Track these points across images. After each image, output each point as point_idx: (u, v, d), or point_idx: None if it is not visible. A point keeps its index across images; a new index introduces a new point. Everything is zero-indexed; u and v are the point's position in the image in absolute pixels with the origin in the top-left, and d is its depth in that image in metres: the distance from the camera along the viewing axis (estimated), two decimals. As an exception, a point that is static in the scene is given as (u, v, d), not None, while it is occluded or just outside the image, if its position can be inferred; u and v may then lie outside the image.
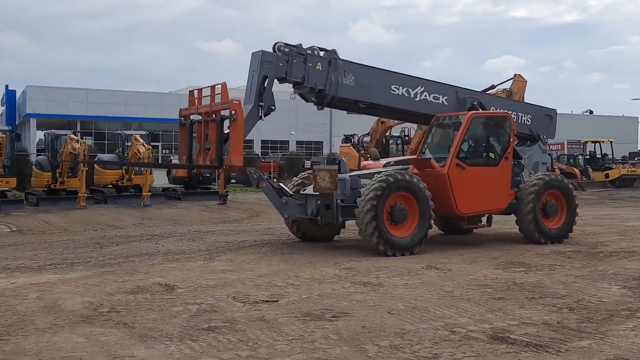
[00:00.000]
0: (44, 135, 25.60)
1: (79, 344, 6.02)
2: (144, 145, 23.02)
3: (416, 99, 12.78)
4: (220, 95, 11.46)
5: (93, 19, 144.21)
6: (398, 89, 12.60)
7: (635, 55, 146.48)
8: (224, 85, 11.34)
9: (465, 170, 11.91)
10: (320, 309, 7.35)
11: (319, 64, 11.91)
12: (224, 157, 11.22)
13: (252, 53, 11.79)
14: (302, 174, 13.22)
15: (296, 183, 12.93)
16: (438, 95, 12.95)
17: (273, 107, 11.53)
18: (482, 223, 12.88)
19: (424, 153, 12.65)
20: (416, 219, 11.43)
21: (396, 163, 13.14)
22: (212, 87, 11.76)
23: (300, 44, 11.90)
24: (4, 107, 67.75)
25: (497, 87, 27.24)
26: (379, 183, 11.04)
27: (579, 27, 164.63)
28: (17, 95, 64.89)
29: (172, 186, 27.17)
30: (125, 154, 24.89)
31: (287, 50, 11.68)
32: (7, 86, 64.16)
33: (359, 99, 12.52)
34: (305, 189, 12.27)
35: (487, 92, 27.76)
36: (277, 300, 7.75)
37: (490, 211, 12.53)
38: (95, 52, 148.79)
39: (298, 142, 66.90)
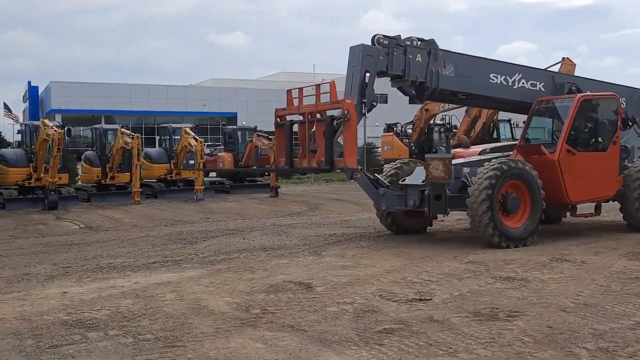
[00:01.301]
0: (91, 130, 25.18)
1: (261, 349, 5.56)
2: (195, 139, 22.53)
3: (514, 87, 12.23)
4: (326, 94, 10.96)
5: (102, 14, 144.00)
6: (496, 78, 12.07)
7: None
8: (332, 83, 10.74)
9: (576, 156, 11.35)
10: (485, 307, 6.85)
11: (419, 55, 11.39)
12: (336, 160, 10.58)
13: (351, 47, 11.27)
14: (393, 164, 12.67)
15: (389, 174, 12.39)
16: (535, 82, 12.37)
17: (375, 103, 11.04)
18: (591, 212, 12.30)
19: (527, 139, 12.07)
20: (528, 208, 10.92)
21: (492, 150, 12.60)
22: (317, 86, 11.17)
23: (399, 35, 11.39)
24: (26, 104, 67.63)
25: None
26: (493, 171, 10.51)
27: (591, 10, 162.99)
28: (40, 91, 64.68)
29: (218, 179, 26.69)
30: (174, 148, 24.41)
31: (386, 42, 11.15)
32: (29, 82, 64.08)
33: (459, 90, 12.02)
34: (404, 179, 11.74)
35: None
36: (431, 299, 7.26)
37: (600, 199, 11.97)
38: (106, 47, 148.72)
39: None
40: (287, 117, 11.87)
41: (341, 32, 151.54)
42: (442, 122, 32.04)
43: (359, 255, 10.21)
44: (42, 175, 20.64)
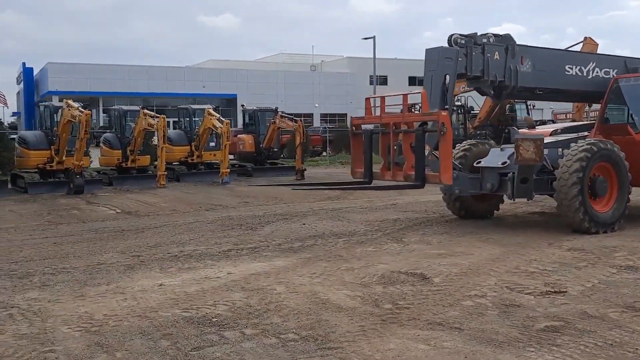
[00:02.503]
0: (111, 111, 24.33)
1: (430, 352, 5.01)
2: (220, 120, 21.80)
3: (589, 77, 11.75)
4: (419, 105, 10.35)
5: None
6: (572, 69, 11.57)
7: (635, 20, 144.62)
8: (424, 94, 10.02)
9: (660, 137, 10.84)
10: (635, 301, 6.32)
11: (497, 52, 10.82)
12: (428, 175, 9.82)
13: (427, 50, 10.75)
14: (461, 145, 12.09)
15: (457, 156, 11.80)
16: (609, 70, 11.86)
17: (454, 108, 10.51)
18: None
19: (607, 119, 11.51)
20: (615, 191, 10.44)
21: (564, 130, 12.03)
22: (405, 96, 10.46)
23: (476, 33, 10.85)
24: (20, 85, 66.25)
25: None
26: (584, 153, 9.97)
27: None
28: (35, 72, 63.33)
29: (239, 162, 25.94)
30: (196, 130, 23.66)
31: (463, 41, 10.58)
32: (24, 64, 62.65)
33: (537, 86, 11.48)
34: (479, 162, 11.16)
35: None
36: (566, 291, 6.73)
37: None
38: (95, 29, 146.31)
39: (322, 115, 65.72)
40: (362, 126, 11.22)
41: (331, 13, 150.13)
42: (460, 104, 31.51)
43: (445, 243, 9.66)
44: (64, 158, 19.87)
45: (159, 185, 20.38)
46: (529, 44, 11.56)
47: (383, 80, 69.59)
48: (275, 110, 25.44)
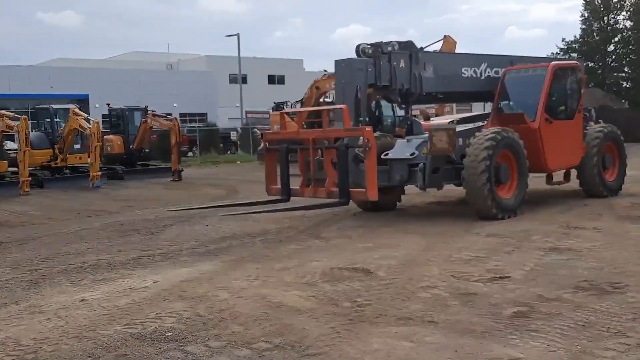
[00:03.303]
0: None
1: (417, 349, 4.76)
2: (88, 120, 20.38)
3: (482, 78, 12.20)
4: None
5: None
6: (467, 71, 11.94)
7: (466, 22, 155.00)
8: (345, 110, 9.68)
9: (553, 125, 11.41)
10: (579, 281, 6.50)
11: (402, 60, 10.93)
12: (353, 191, 9.51)
13: (336, 61, 10.76)
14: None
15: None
16: (499, 69, 12.30)
17: (367, 119, 10.42)
18: (561, 180, 12.46)
19: (500, 109, 11.91)
20: (516, 178, 10.83)
21: (460, 121, 12.32)
22: (326, 112, 10.15)
23: (381, 42, 10.86)
24: None
25: (426, 49, 27.27)
26: (489, 141, 10.23)
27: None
28: None
29: (106, 165, 24.35)
30: (59, 132, 21.93)
31: (371, 51, 10.56)
32: None
33: (439, 90, 11.64)
34: (387, 154, 11.12)
35: None
36: (510, 276, 6.76)
37: (569, 166, 12.14)
38: None
39: (182, 115, 63.83)
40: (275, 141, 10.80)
41: (181, 13, 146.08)
42: (331, 100, 31.76)
43: (366, 236, 9.50)
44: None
45: (22, 192, 18.67)
46: (428, 50, 11.78)
47: (243, 79, 68.95)
48: (145, 109, 24.24)
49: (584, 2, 67.09)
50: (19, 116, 19.03)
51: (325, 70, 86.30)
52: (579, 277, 6.62)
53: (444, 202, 13.18)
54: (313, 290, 6.46)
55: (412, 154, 10.70)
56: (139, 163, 24.51)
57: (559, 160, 11.66)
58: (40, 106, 24.02)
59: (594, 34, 67.61)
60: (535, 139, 11.12)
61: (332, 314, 5.65)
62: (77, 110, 21.08)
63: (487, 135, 10.35)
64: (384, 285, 6.56)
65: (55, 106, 23.15)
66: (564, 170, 12.39)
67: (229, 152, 39.68)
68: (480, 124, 11.83)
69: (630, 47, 64.60)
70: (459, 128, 11.44)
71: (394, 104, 36.03)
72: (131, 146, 24.00)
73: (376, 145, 9.35)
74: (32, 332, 5.41)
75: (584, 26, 68.65)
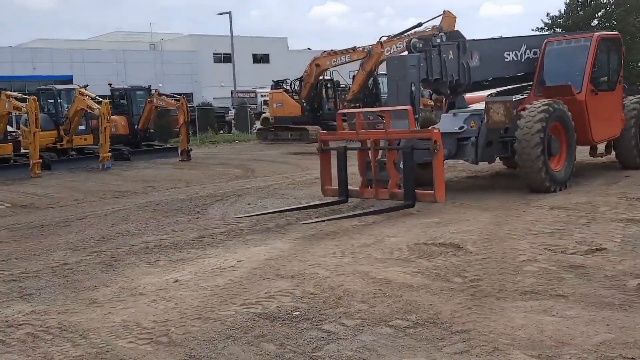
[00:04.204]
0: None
1: (561, 322, 4.60)
2: (95, 100, 19.91)
3: (522, 60, 11.95)
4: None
5: None
6: (509, 55, 11.70)
7: (441, 2, 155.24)
8: (410, 110, 9.35)
9: (597, 96, 11.31)
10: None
11: (450, 52, 10.66)
12: (419, 193, 9.12)
13: (389, 59, 10.80)
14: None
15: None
16: (537, 50, 12.10)
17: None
18: (603, 152, 12.41)
19: (543, 82, 11.77)
20: (564, 150, 10.72)
21: (498, 94, 12.15)
22: (387, 113, 9.67)
23: (430, 34, 10.56)
24: None
25: (424, 25, 27.06)
26: (542, 113, 10.10)
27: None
28: None
29: (112, 146, 23.82)
30: (65, 113, 21.40)
31: (421, 45, 10.30)
32: None
33: (485, 78, 11.43)
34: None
35: (413, 30, 27.58)
36: (606, 248, 6.65)
37: (611, 138, 12.08)
38: None
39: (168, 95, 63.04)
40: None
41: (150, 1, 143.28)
42: (329, 78, 31.48)
43: (425, 211, 9.30)
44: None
45: (33, 175, 18.21)
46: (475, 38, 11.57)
47: (227, 58, 68.21)
48: (149, 89, 23.75)
49: (569, -23, 67.26)
50: (27, 97, 18.48)
51: (309, 49, 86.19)
52: (678, 247, 6.54)
53: (479, 177, 13.09)
54: (413, 266, 6.30)
55: (461, 127, 10.55)
56: (143, 143, 24.05)
57: (603, 131, 11.60)
58: (43, 87, 23.39)
59: (578, 8, 68.01)
60: (581, 111, 11.02)
61: (448, 289, 5.50)
62: (83, 90, 20.56)
63: (539, 107, 10.21)
64: (481, 259, 6.42)
65: (58, 87, 22.57)
66: (606, 142, 12.32)
67: (221, 131, 39.28)
68: (520, 97, 11.69)
69: (613, 21, 65.01)
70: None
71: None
72: (136, 126, 23.53)
73: (442, 151, 8.98)
74: (146, 315, 5.20)
75: (568, 1, 68.95)
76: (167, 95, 22.54)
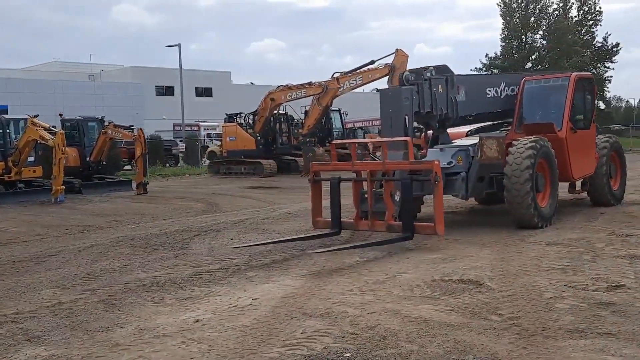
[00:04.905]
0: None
1: (627, 361, 4.51)
2: (51, 130, 19.14)
3: (502, 97, 12.17)
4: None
5: None
6: (491, 91, 11.90)
7: (378, 39, 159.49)
8: (410, 141, 9.25)
9: (576, 134, 11.58)
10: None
11: (440, 85, 10.73)
12: (418, 225, 9.09)
13: (381, 91, 10.62)
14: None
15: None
16: (514, 87, 12.36)
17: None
18: (579, 189, 12.65)
19: (524, 119, 11.96)
20: (549, 187, 10.87)
21: (477, 131, 12.30)
22: (384, 144, 9.60)
23: (421, 68, 10.64)
24: None
25: (377, 62, 27.45)
26: (530, 150, 10.23)
27: (330, 12, 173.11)
28: None
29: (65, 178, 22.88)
30: (14, 143, 20.47)
31: (413, 78, 10.35)
32: None
33: (470, 113, 11.55)
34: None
35: (367, 67, 27.97)
36: (624, 284, 6.67)
37: (587, 175, 12.33)
38: None
39: (107, 127, 61.52)
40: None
41: (92, 24, 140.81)
42: (283, 112, 31.42)
43: (423, 247, 9.20)
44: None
45: (-18, 207, 17.23)
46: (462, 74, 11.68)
47: (169, 91, 67.52)
48: (102, 120, 23.06)
49: (503, 22, 70.10)
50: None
51: (252, 83, 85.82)
52: (692, 282, 6.61)
53: (457, 212, 13.13)
54: (442, 303, 6.14)
55: (449, 162, 10.55)
56: (95, 176, 23.23)
57: (581, 169, 11.85)
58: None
59: (513, 51, 70.81)
60: (562, 148, 11.24)
61: (490, 328, 5.35)
62: (35, 120, 19.74)
63: (527, 144, 10.34)
64: (508, 296, 6.32)
65: (7, 116, 21.61)
66: (581, 180, 12.58)
67: (167, 164, 38.56)
68: (497, 133, 11.85)
69: (545, 64, 67.92)
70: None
71: (342, 115, 36.22)
72: (88, 158, 22.74)
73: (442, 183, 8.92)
74: (183, 358, 4.82)
75: (503, 44, 71.69)
76: (122, 127, 21.89)
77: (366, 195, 9.50)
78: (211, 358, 4.78)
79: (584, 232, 9.96)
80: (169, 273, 8.16)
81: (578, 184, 12.67)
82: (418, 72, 10.55)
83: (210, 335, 5.35)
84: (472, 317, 5.67)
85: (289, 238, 9.80)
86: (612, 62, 67.40)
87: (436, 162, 8.77)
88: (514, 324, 5.43)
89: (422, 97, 10.34)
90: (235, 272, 8.04)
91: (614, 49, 67.04)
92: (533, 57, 69.44)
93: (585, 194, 13.04)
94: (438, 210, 8.65)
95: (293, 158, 29.89)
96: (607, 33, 67.77)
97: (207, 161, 35.43)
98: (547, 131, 11.16)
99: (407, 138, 9.30)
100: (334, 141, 11.40)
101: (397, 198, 9.33)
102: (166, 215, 15.10)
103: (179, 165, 39.43)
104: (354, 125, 44.37)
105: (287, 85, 29.00)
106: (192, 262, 8.88)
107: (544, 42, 69.06)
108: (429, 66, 10.74)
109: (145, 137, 21.66)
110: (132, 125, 22.99)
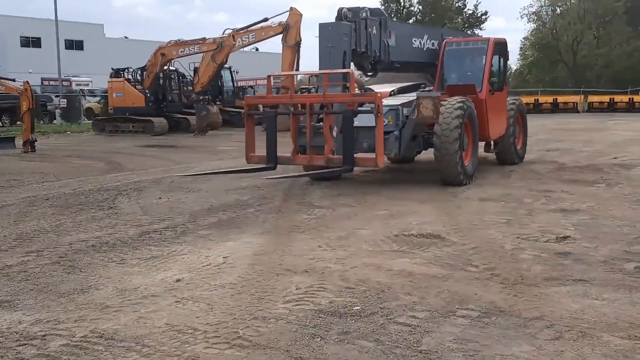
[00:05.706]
0: None
1: (617, 306, 4.89)
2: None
3: (424, 49, 12.46)
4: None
5: None
6: (416, 42, 12.13)
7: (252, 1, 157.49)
8: (352, 74, 9.16)
9: (493, 96, 12.13)
10: (636, 237, 7.05)
11: (374, 27, 10.77)
12: (358, 158, 9.16)
13: (321, 24, 10.32)
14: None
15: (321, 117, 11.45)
16: (434, 41, 12.70)
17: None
18: (492, 148, 13.26)
19: (445, 80, 12.33)
20: (471, 146, 11.36)
21: (399, 91, 12.54)
22: (325, 75, 9.43)
23: (358, 7, 10.57)
24: None
25: (271, 20, 27.27)
26: (459, 110, 10.60)
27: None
28: None
29: None
30: None
31: (350, 15, 10.29)
32: None
33: (398, 59, 11.67)
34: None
35: (260, 25, 27.80)
36: (569, 235, 7.15)
37: (500, 135, 12.96)
38: None
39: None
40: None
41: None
42: (174, 69, 30.39)
43: (363, 203, 9.35)
44: None
45: None
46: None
47: (36, 42, 63.25)
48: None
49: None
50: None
51: (126, 37, 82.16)
52: (627, 233, 7.20)
53: (376, 171, 13.39)
54: (417, 257, 6.30)
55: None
56: (-29, 132, 21.44)
57: (496, 129, 12.46)
58: None
59: (392, 15, 72.46)
60: (482, 109, 11.75)
61: (475, 279, 5.58)
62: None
63: (455, 104, 10.70)
64: (473, 248, 6.60)
65: None
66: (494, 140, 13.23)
67: (41, 121, 36.28)
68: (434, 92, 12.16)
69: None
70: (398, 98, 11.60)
71: (232, 72, 35.61)
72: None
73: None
74: (187, 317, 4.65)
75: (383, 7, 73.19)
76: (5, 79, 20.29)
77: (304, 130, 9.52)
78: (219, 317, 4.64)
79: (506, 188, 10.53)
80: (111, 233, 7.77)
81: (492, 143, 13.32)
82: (355, 10, 10.50)
83: (202, 294, 5.19)
84: (452, 269, 5.87)
85: (227, 170, 9.65)
86: (481, 29, 70.89)
87: (378, 94, 8.94)
88: (494, 274, 5.69)
89: (358, 35, 10.36)
90: (186, 231, 7.79)
91: (483, 17, 70.55)
92: (410, 21, 71.57)
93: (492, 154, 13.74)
94: (379, 143, 8.84)
95: (184, 116, 29.14)
96: (477, 1, 71.20)
97: (86, 119, 33.72)
98: (469, 92, 11.58)
99: (349, 70, 9.38)
100: (270, 74, 11.10)
101: (334, 134, 9.43)
102: (70, 175, 14.25)
103: (54, 122, 37.20)
104: (244, 84, 43.79)
105: (179, 40, 28.02)
106: (131, 221, 8.49)
107: (420, 7, 71.56)
108: (365, 7, 10.74)
109: (33, 90, 20.19)
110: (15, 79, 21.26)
